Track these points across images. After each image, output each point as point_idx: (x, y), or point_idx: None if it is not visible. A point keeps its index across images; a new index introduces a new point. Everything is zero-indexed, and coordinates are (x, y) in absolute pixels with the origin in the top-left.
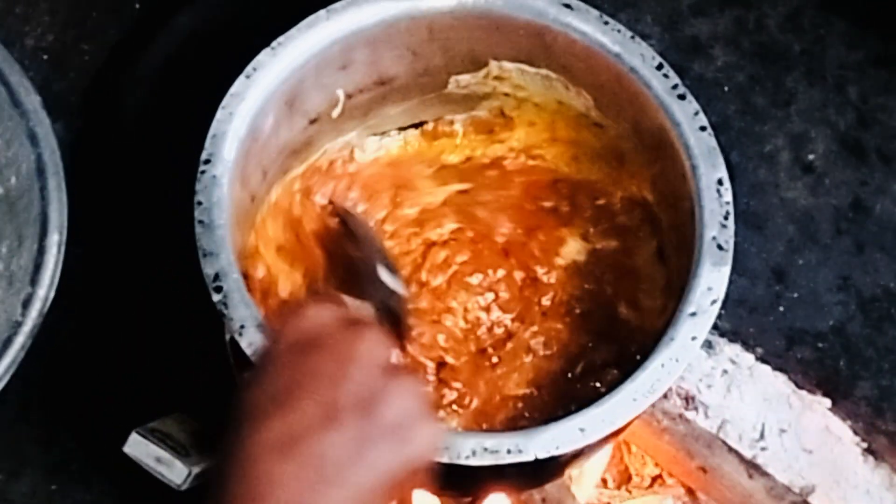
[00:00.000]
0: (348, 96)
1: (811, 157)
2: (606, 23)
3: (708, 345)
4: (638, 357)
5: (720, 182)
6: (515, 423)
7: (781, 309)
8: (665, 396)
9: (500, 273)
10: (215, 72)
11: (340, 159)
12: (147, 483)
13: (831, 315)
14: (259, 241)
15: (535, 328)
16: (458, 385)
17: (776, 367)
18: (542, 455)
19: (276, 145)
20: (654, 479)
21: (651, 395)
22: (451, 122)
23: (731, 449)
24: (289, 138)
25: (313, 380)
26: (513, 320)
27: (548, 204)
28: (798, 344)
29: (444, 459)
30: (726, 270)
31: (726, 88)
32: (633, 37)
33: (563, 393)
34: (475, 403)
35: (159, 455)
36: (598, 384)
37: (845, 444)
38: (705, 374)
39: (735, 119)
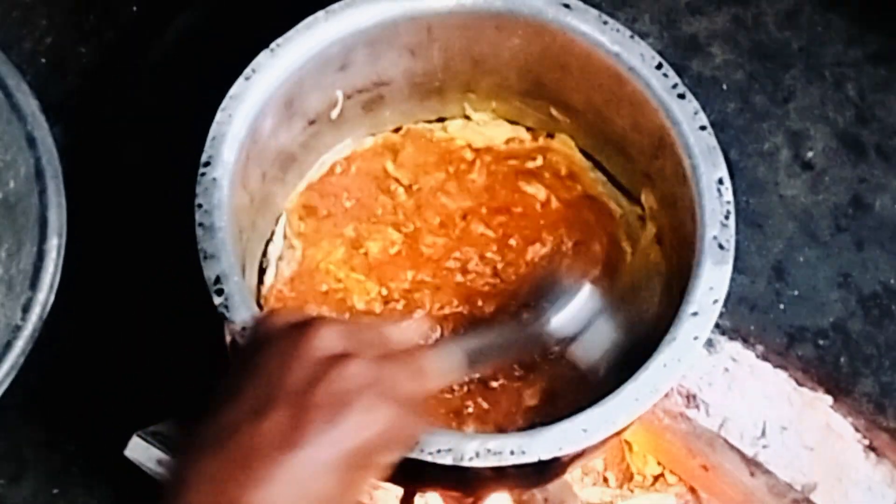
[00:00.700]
0: (347, 97)
1: (810, 154)
2: (605, 22)
3: (709, 343)
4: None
5: (720, 181)
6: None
7: (782, 306)
8: (666, 395)
9: None
10: (214, 74)
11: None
12: (148, 486)
13: (832, 312)
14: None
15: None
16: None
17: (777, 365)
18: (545, 456)
19: (275, 147)
20: (655, 478)
21: (654, 395)
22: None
23: (732, 447)
24: (288, 139)
25: (255, 377)
26: None
27: None
28: (799, 341)
29: (448, 461)
30: (727, 269)
31: (725, 87)
32: (632, 36)
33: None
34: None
35: (160, 458)
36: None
37: (846, 442)
38: (706, 372)
39: (734, 117)
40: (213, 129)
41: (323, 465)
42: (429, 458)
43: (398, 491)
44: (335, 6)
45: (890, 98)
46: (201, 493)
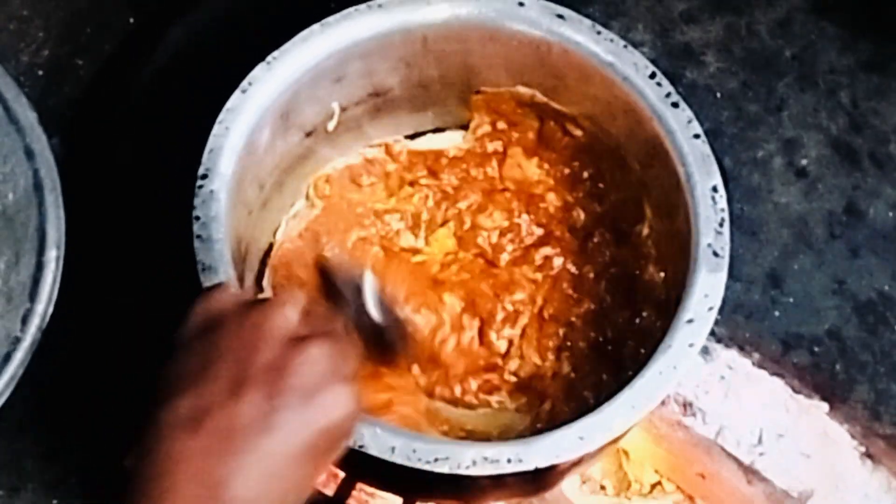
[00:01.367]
0: (343, 109)
1: (804, 161)
2: (599, 32)
3: (704, 351)
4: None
5: (715, 189)
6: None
7: (777, 314)
8: (663, 403)
9: None
10: (211, 86)
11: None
12: None
13: (827, 319)
14: None
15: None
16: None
17: (773, 372)
18: (542, 464)
19: (272, 159)
20: (653, 486)
21: (650, 402)
22: None
23: (729, 454)
24: (285, 152)
25: (219, 357)
26: None
27: None
28: (794, 349)
29: (445, 469)
30: (722, 277)
31: (719, 95)
32: (626, 46)
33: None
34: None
35: None
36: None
37: (843, 448)
38: (702, 380)
39: (728, 125)
40: (211, 142)
41: (300, 447)
42: (426, 467)
43: (397, 500)
44: (330, 18)
45: (883, 105)
46: (182, 472)
